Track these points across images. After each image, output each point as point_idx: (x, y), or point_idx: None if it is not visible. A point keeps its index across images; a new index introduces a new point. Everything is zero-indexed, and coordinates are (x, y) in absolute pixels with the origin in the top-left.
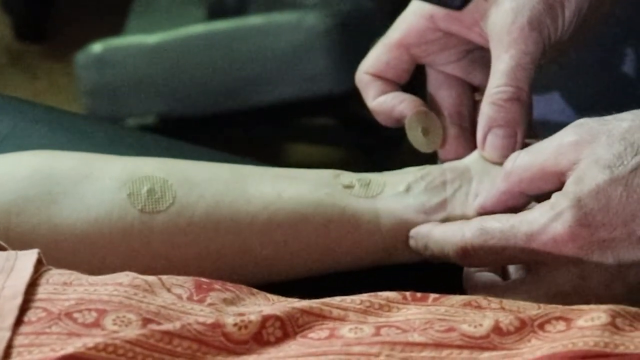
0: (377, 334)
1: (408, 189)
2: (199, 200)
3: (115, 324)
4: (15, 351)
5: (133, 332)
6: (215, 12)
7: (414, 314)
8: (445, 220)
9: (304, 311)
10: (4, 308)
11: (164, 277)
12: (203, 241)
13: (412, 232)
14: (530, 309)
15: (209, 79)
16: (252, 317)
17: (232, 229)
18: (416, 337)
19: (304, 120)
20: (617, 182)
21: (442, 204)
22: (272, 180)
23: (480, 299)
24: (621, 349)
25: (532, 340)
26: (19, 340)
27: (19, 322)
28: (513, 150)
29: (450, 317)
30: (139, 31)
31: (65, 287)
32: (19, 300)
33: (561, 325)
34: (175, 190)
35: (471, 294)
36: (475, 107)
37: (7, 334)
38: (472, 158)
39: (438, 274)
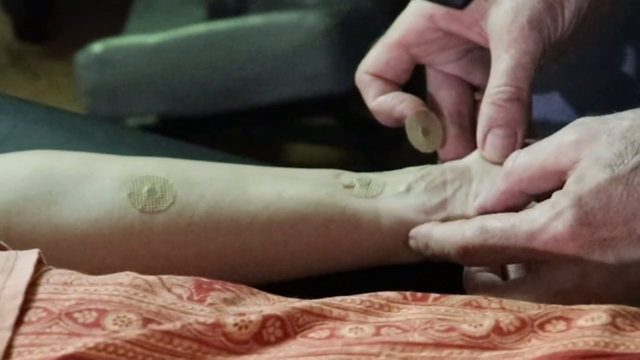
0: (377, 333)
1: (408, 189)
2: (200, 200)
3: (115, 324)
4: (15, 351)
5: (133, 332)
6: (216, 12)
7: (414, 314)
8: (445, 220)
9: (304, 311)
10: (5, 308)
11: (164, 277)
12: (203, 241)
13: (412, 232)
14: (531, 309)
15: (209, 78)
16: (253, 317)
17: (233, 228)
18: (416, 337)
19: (304, 120)
20: (617, 181)
21: (442, 204)
22: (273, 180)
23: (480, 299)
24: (621, 349)
25: (532, 340)
26: (19, 340)
27: (19, 322)
28: (513, 150)
29: (450, 317)
30: (139, 31)
31: (65, 287)
32: (19, 300)
33: (561, 325)
34: (175, 190)
35: (471, 294)
36: (475, 106)
37: (7, 334)
38: (473, 158)
39: (438, 274)
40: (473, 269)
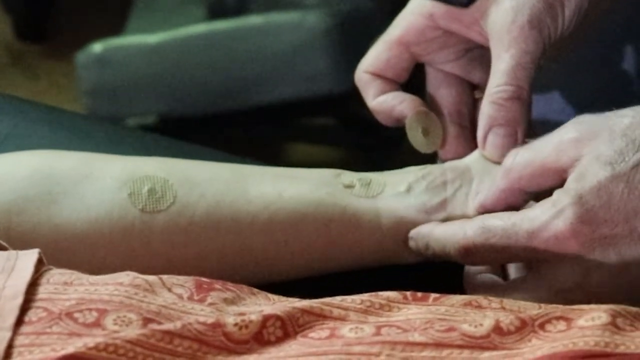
0: (377, 333)
1: (409, 189)
2: (200, 200)
3: (115, 324)
4: (16, 351)
5: (134, 331)
6: (216, 12)
7: (415, 314)
8: (446, 220)
9: (304, 311)
10: (5, 308)
11: (164, 276)
12: (203, 241)
13: (412, 232)
14: (531, 309)
15: (209, 78)
16: (253, 317)
17: (233, 228)
18: (417, 337)
19: (304, 120)
20: (618, 178)
21: (443, 204)
22: (273, 180)
23: (480, 299)
24: (622, 349)
25: (532, 340)
26: (19, 340)
27: (19, 322)
28: None
29: (450, 317)
30: (140, 31)
31: (65, 286)
32: (19, 300)
33: (562, 325)
34: (175, 189)
35: (472, 294)
36: (474, 105)
37: (7, 334)
38: (473, 157)
39: (438, 274)
40: (473, 269)
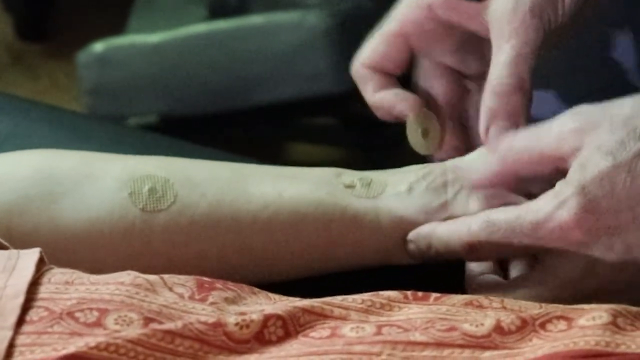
0: (378, 333)
1: (409, 189)
2: (201, 199)
3: (117, 324)
4: (17, 350)
5: (135, 331)
6: (216, 12)
7: (416, 313)
8: (446, 220)
9: (305, 310)
10: (6, 307)
11: (165, 276)
12: (204, 240)
13: (411, 235)
14: (532, 309)
15: (210, 78)
16: (254, 317)
17: (233, 228)
18: (417, 337)
19: (304, 120)
20: (620, 168)
21: (444, 206)
22: (273, 180)
23: (481, 299)
24: (622, 349)
25: (533, 340)
26: (21, 339)
27: (21, 321)
28: None
29: (451, 317)
30: (141, 30)
31: (67, 286)
32: (20, 299)
33: (562, 325)
34: (176, 189)
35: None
36: (468, 97)
37: (9, 333)
38: (474, 157)
39: (439, 273)
40: (475, 271)
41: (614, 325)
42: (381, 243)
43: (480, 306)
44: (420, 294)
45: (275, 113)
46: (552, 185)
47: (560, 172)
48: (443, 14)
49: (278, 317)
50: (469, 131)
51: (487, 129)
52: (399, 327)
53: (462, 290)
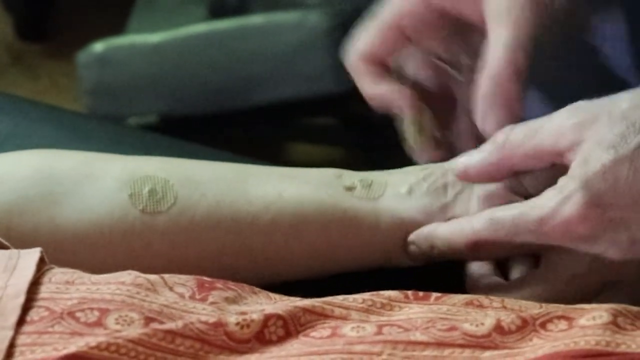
0: (379, 332)
1: (410, 191)
2: (201, 200)
3: (117, 323)
4: (17, 350)
5: (135, 331)
6: (217, 12)
7: (416, 313)
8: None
9: (306, 310)
10: (7, 307)
11: (166, 275)
12: (204, 241)
13: (412, 236)
14: (532, 308)
15: (210, 78)
16: (255, 316)
17: (233, 229)
18: (418, 336)
19: (304, 120)
20: (622, 161)
21: (444, 207)
22: (274, 180)
23: (482, 298)
24: (622, 348)
25: (533, 339)
26: (21, 339)
27: (21, 321)
28: None
29: (452, 316)
30: (141, 30)
31: (67, 286)
32: (21, 299)
33: (563, 324)
34: (176, 190)
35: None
36: (457, 89)
37: (9, 333)
38: None
39: (440, 273)
40: (476, 272)
41: (614, 324)
42: (381, 245)
43: (481, 306)
44: (420, 293)
45: (275, 113)
46: (546, 181)
47: (556, 168)
48: (439, 1)
49: (279, 316)
50: (458, 122)
51: (484, 114)
52: (399, 326)
53: (463, 290)
